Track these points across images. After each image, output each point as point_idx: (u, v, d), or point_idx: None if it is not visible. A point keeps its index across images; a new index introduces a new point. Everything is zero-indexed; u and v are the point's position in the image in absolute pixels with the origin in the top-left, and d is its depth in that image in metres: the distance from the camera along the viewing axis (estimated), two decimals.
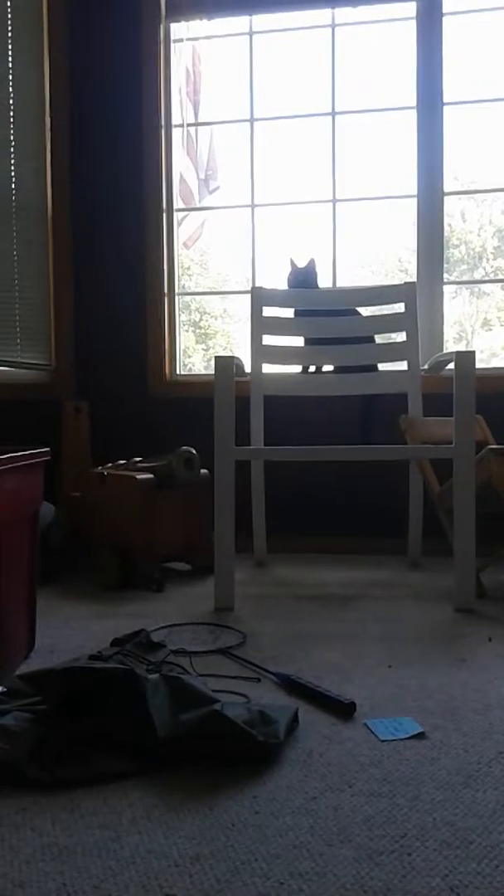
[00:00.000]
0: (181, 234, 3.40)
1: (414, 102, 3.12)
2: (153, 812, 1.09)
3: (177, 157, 3.33)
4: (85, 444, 3.13)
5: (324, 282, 3.05)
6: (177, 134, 3.33)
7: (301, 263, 2.98)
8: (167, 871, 0.94)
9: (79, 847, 1.00)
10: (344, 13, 3.17)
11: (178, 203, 3.34)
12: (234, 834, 1.02)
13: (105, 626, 1.99)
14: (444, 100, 3.10)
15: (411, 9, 3.09)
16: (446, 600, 2.25)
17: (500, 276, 4.16)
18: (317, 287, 2.99)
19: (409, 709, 1.45)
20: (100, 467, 2.71)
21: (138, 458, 2.78)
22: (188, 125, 3.32)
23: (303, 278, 2.97)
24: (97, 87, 3.27)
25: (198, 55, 3.37)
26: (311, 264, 2.98)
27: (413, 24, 3.09)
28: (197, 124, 3.33)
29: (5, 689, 1.43)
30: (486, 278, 4.22)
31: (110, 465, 2.74)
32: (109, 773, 1.20)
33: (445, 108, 3.10)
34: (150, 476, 2.55)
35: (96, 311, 3.29)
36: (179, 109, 3.32)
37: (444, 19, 3.08)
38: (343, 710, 1.43)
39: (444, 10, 3.07)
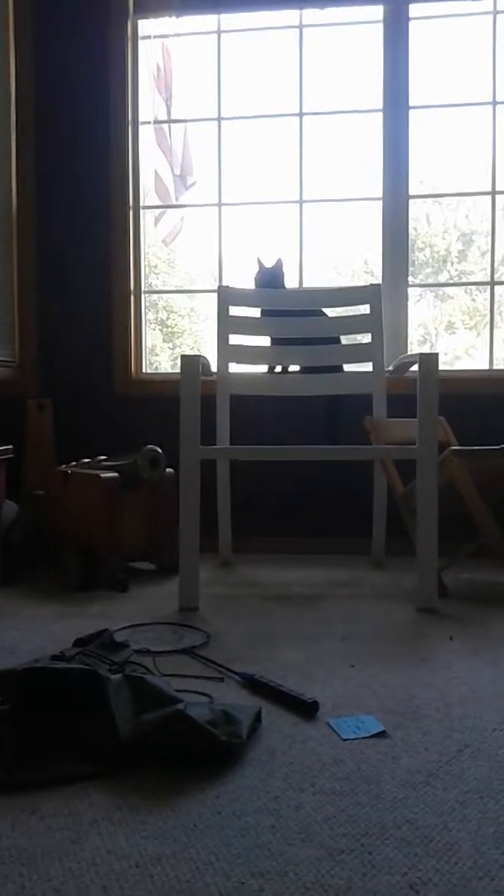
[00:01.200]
0: (161, 230, 3.37)
1: (380, 105, 3.14)
2: (115, 813, 1.08)
3: (151, 153, 3.31)
4: (48, 442, 3.10)
5: (290, 282, 3.06)
6: (150, 131, 3.30)
7: (268, 263, 2.99)
8: (128, 872, 0.94)
9: (39, 849, 0.99)
10: (312, 14, 3.19)
11: (146, 200, 3.32)
12: (196, 834, 1.02)
13: (68, 626, 1.98)
14: (410, 103, 3.12)
15: (378, 12, 3.11)
16: (409, 600, 2.28)
17: (465, 280, 4.21)
18: (284, 287, 3.00)
19: (371, 707, 1.46)
20: (63, 466, 2.69)
21: (103, 457, 2.76)
22: (157, 122, 3.30)
23: (269, 278, 2.97)
24: (63, 82, 3.24)
25: (168, 51, 3.35)
26: (279, 264, 2.98)
27: (380, 27, 3.11)
28: (167, 121, 3.31)
29: None
30: (451, 282, 4.27)
31: (74, 463, 2.72)
32: (70, 774, 1.19)
33: (411, 112, 3.13)
34: (115, 475, 2.53)
35: (61, 308, 3.26)
36: (152, 106, 3.30)
37: (411, 24, 3.10)
38: (306, 709, 1.43)
39: (411, 15, 3.10)
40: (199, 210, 3.39)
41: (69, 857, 0.97)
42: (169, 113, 3.35)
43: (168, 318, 4.61)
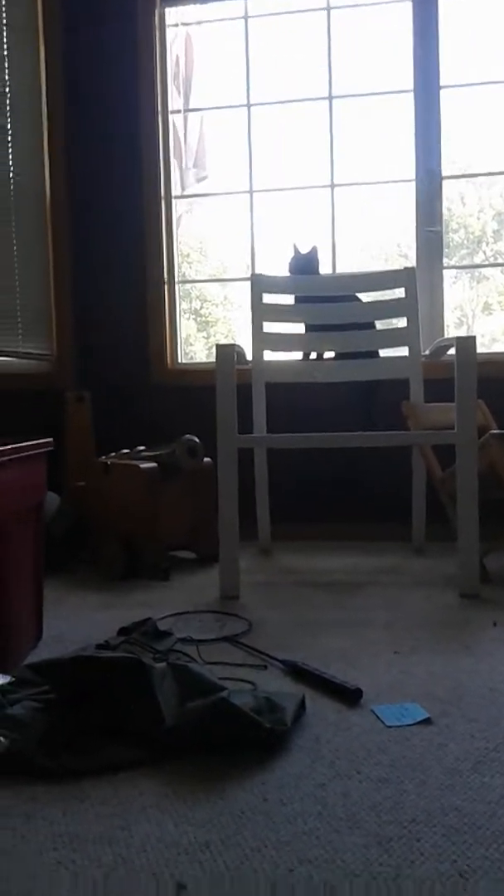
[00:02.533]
0: None
1: (411, 86, 3.10)
2: (162, 801, 1.10)
3: (173, 144, 3.31)
4: (88, 433, 3.13)
5: (324, 268, 3.03)
6: (173, 121, 3.30)
7: (304, 249, 2.97)
8: (177, 859, 0.95)
9: (89, 836, 1.01)
10: None
11: (176, 190, 3.32)
12: (243, 821, 1.03)
13: (111, 616, 2.00)
14: (441, 83, 3.07)
15: None
16: (451, 586, 2.26)
17: (501, 261, 4.14)
18: (318, 273, 2.98)
19: (415, 695, 1.45)
20: (103, 457, 2.72)
21: (142, 447, 2.78)
22: (188, 110, 3.29)
23: (304, 264, 2.95)
24: (93, 73, 3.25)
25: (190, 42, 3.33)
26: (314, 251, 2.96)
27: (409, 6, 3.06)
28: (192, 110, 3.30)
29: (14, 679, 1.43)
30: (486, 262, 4.21)
31: (114, 454, 2.74)
32: (118, 762, 1.20)
33: (442, 92, 3.08)
34: (154, 465, 2.55)
35: (97, 300, 3.28)
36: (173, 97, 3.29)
37: (441, 1, 3.05)
38: (349, 696, 1.43)
39: None
40: (230, 198, 3.38)
41: (119, 843, 0.99)
42: (186, 104, 3.33)
43: (202, 308, 4.61)
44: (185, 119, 3.32)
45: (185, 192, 3.35)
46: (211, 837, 1.00)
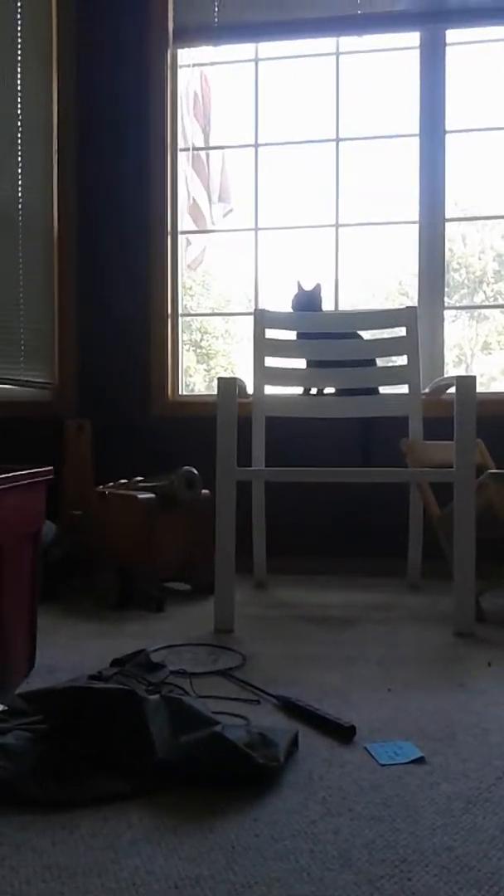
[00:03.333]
0: (187, 256, 3.43)
1: (416, 130, 3.16)
2: (153, 833, 1.09)
3: (188, 180, 3.37)
4: (87, 462, 3.14)
5: (326, 305, 3.07)
6: (187, 157, 3.37)
7: (308, 286, 3.01)
8: (167, 893, 0.94)
9: (79, 868, 1.00)
10: (349, 41, 3.22)
11: (183, 225, 3.37)
12: (234, 857, 1.03)
13: (105, 646, 2.00)
14: (447, 128, 3.14)
15: (415, 39, 3.14)
16: (446, 624, 2.26)
17: (501, 301, 4.19)
18: (320, 310, 3.01)
19: (409, 733, 1.45)
20: (101, 486, 2.72)
21: (139, 478, 2.79)
22: (195, 149, 3.36)
23: (307, 301, 2.99)
24: (104, 110, 3.31)
25: (206, 79, 3.41)
26: (318, 288, 3.00)
27: (417, 53, 3.14)
28: (204, 148, 3.37)
29: (6, 708, 1.43)
30: (487, 303, 4.26)
31: (111, 484, 2.75)
32: (109, 793, 1.20)
33: (448, 136, 3.15)
34: (152, 496, 2.56)
35: (100, 331, 3.32)
36: (187, 133, 3.36)
37: (448, 49, 3.13)
38: (343, 733, 1.43)
39: (448, 41, 3.12)
40: (235, 234, 3.43)
41: (109, 875, 0.98)
42: (207, 140, 3.41)
43: (202, 340, 4.65)
44: (208, 155, 3.38)
45: (211, 227, 3.40)
46: (201, 872, 0.99)
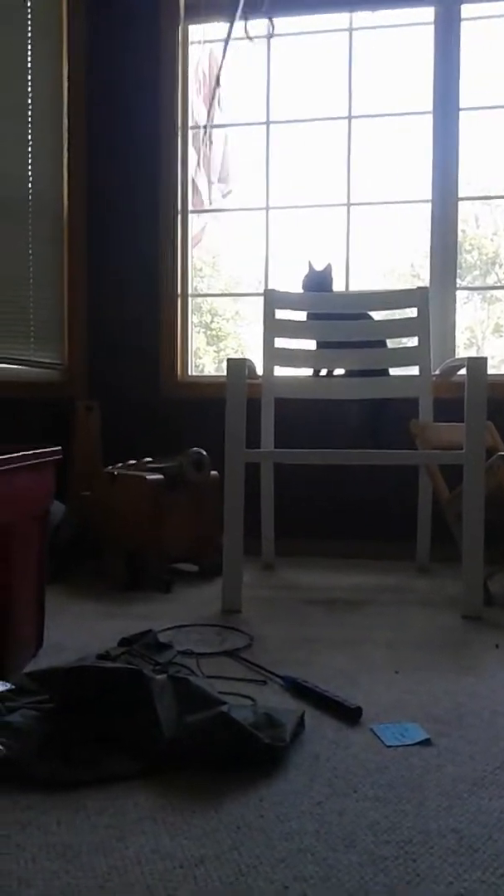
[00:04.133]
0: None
1: (430, 107, 3.12)
2: (158, 813, 1.09)
3: (190, 160, 3.34)
4: (96, 443, 3.14)
5: (337, 285, 3.05)
6: (189, 137, 3.33)
7: (319, 266, 2.98)
8: (172, 872, 0.95)
9: (84, 846, 1.01)
10: (362, 17, 3.17)
11: (191, 205, 3.34)
12: (239, 837, 1.03)
13: (113, 626, 2.00)
14: (461, 105, 3.09)
15: (429, 14, 3.09)
16: (454, 607, 2.25)
17: None
18: (331, 291, 2.99)
19: (416, 715, 1.45)
20: (110, 467, 2.72)
21: (148, 459, 2.78)
22: (207, 126, 3.32)
23: (318, 281, 2.97)
24: (115, 88, 3.28)
25: (213, 58, 3.37)
26: (328, 269, 2.98)
27: (431, 28, 3.09)
28: (213, 126, 3.33)
29: (13, 687, 1.43)
30: (499, 284, 4.21)
31: (121, 465, 2.75)
32: (115, 773, 1.20)
33: (461, 114, 3.10)
34: (160, 476, 2.55)
35: (110, 311, 3.30)
36: (194, 112, 3.33)
37: (463, 24, 3.07)
38: (349, 714, 1.43)
39: (463, 16, 3.07)
40: (245, 213, 3.40)
41: (114, 854, 0.98)
42: (211, 120, 3.37)
43: (212, 321, 4.63)
44: (210, 135, 3.35)
45: (211, 207, 3.38)
46: (206, 852, 0.99)
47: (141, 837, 1.03)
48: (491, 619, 2.13)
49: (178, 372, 3.27)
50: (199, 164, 3.31)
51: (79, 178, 3.28)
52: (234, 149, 3.37)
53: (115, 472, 2.64)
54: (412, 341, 2.88)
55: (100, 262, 3.31)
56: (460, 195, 3.14)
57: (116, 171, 3.29)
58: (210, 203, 3.35)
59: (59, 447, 1.80)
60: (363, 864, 0.96)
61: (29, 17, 3.04)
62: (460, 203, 3.14)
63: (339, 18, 3.20)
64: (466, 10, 3.07)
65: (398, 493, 2.97)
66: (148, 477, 2.53)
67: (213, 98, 3.32)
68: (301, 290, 2.99)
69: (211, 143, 3.32)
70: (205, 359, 3.73)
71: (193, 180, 3.32)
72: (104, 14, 3.27)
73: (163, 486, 2.54)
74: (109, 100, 3.28)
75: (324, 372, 2.98)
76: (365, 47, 3.22)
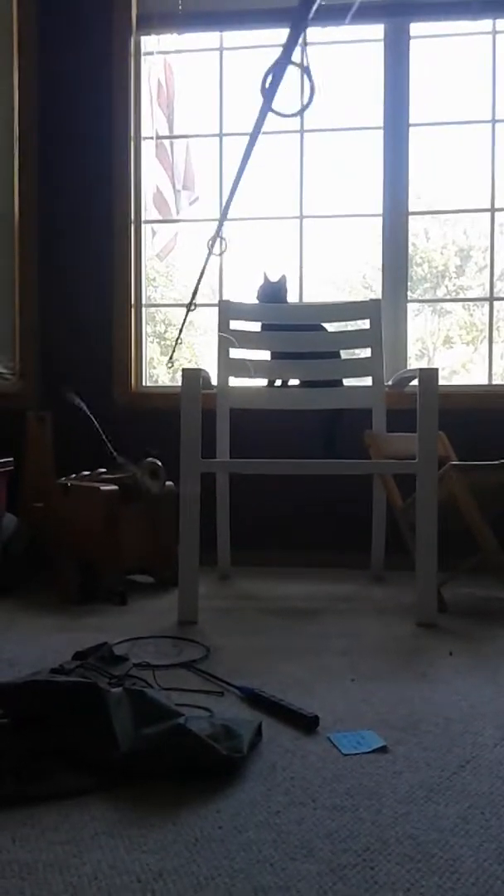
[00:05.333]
0: (155, 245, 3.40)
1: (381, 122, 3.17)
2: (115, 827, 1.08)
3: (151, 168, 3.33)
4: (48, 454, 3.09)
5: (291, 297, 3.07)
6: (151, 146, 3.33)
7: (274, 278, 3.00)
8: (130, 886, 0.93)
9: (40, 863, 0.99)
10: (313, 32, 3.21)
11: (147, 214, 3.34)
12: (197, 849, 1.02)
13: (67, 639, 1.97)
14: (411, 121, 3.15)
15: (379, 31, 3.15)
16: (408, 615, 2.27)
17: (462, 295, 4.23)
18: (286, 302, 3.01)
19: (372, 722, 1.45)
20: (63, 478, 2.69)
21: (102, 470, 2.76)
22: (160, 137, 3.32)
23: (272, 292, 2.99)
24: (67, 97, 3.27)
25: (170, 67, 3.38)
26: (283, 280, 3.00)
27: (381, 45, 3.14)
28: (169, 137, 3.33)
29: None
30: (449, 297, 4.29)
31: (74, 476, 2.72)
32: (71, 787, 1.18)
33: (411, 129, 3.16)
34: (114, 488, 2.53)
35: (62, 321, 3.27)
36: (152, 121, 3.33)
37: (412, 42, 3.13)
38: (306, 723, 1.43)
39: (412, 34, 3.13)
40: (200, 224, 3.41)
41: (71, 870, 0.97)
42: (171, 128, 3.37)
43: (166, 332, 4.62)
44: (172, 143, 3.35)
45: (172, 217, 3.37)
46: (164, 865, 0.98)
47: (98, 852, 1.01)
48: (445, 627, 2.16)
49: (133, 382, 3.25)
50: (162, 172, 3.29)
51: (30, 186, 3.25)
52: (196, 157, 3.37)
53: (69, 484, 2.61)
54: (365, 352, 2.91)
55: (52, 271, 3.28)
56: (411, 210, 3.19)
57: (69, 179, 3.27)
58: (178, 212, 3.34)
59: (11, 458, 1.78)
60: (322, 873, 0.96)
61: None
62: (411, 217, 3.20)
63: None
64: (415, 28, 3.13)
65: (353, 502, 2.99)
66: (102, 488, 2.51)
67: (170, 106, 3.32)
68: (256, 301, 3.01)
69: (172, 151, 3.32)
70: (159, 369, 3.71)
71: (158, 188, 3.31)
72: (57, 24, 3.25)
73: (117, 497, 2.52)
74: (62, 108, 3.26)
75: (278, 382, 2.99)
76: (317, 62, 3.25)
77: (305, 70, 2.49)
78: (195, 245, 3.47)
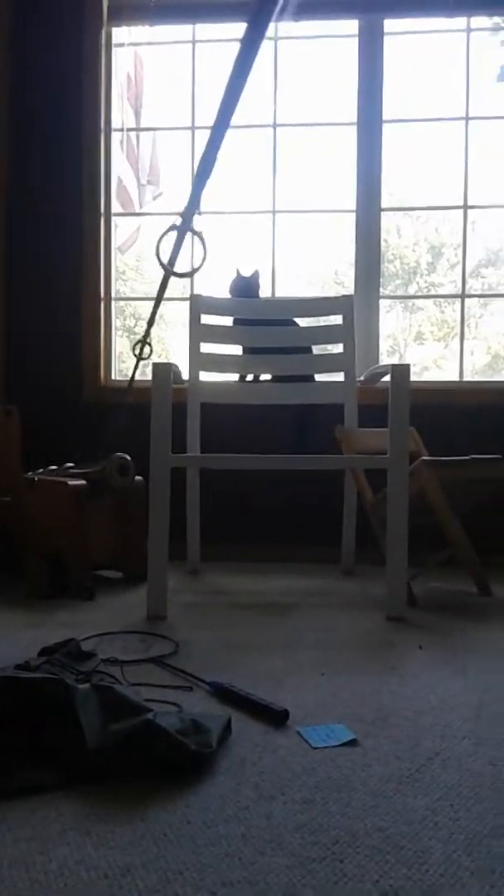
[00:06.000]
0: (117, 238, 3.37)
1: (355, 118, 3.17)
2: (83, 823, 1.06)
3: (117, 161, 3.30)
4: (15, 448, 3.05)
5: (263, 292, 3.06)
6: (117, 138, 3.30)
7: (246, 273, 2.99)
8: (96, 883, 0.92)
9: (5, 860, 0.97)
10: (288, 26, 3.21)
11: (116, 207, 3.31)
12: (165, 844, 1.01)
13: (33, 635, 1.95)
14: (384, 117, 3.16)
15: (353, 27, 3.15)
16: (378, 609, 2.28)
17: (433, 292, 4.25)
18: (258, 297, 3.00)
19: (342, 716, 1.45)
20: (30, 473, 2.66)
21: (70, 464, 2.73)
22: (130, 129, 3.30)
23: (245, 287, 2.98)
24: (37, 88, 3.22)
25: (140, 60, 3.35)
26: (256, 275, 2.99)
27: (355, 41, 3.14)
28: (138, 129, 3.31)
29: None
30: (420, 293, 4.31)
31: (41, 470, 2.69)
32: (37, 784, 1.16)
33: (385, 126, 3.16)
34: (83, 482, 2.51)
35: (30, 314, 3.24)
36: (120, 114, 3.30)
37: (386, 39, 3.14)
38: (276, 717, 1.42)
39: (386, 30, 3.13)
40: (171, 218, 3.38)
41: (36, 867, 0.95)
42: (138, 121, 3.35)
43: (136, 326, 4.59)
44: (138, 137, 3.32)
45: (140, 210, 3.34)
46: (132, 860, 0.97)
47: (65, 849, 1.00)
48: (414, 621, 2.17)
49: (102, 376, 3.22)
50: (126, 165, 3.26)
51: (0, 176, 3.20)
52: (163, 151, 3.35)
53: (36, 479, 2.58)
54: (337, 348, 2.91)
55: (20, 263, 3.24)
56: (383, 206, 3.20)
57: (39, 171, 3.23)
58: (141, 206, 3.32)
59: None
60: (291, 867, 0.96)
61: None
62: (383, 214, 3.20)
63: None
64: (389, 25, 3.14)
65: (324, 497, 3.00)
66: (70, 482, 2.48)
67: (138, 99, 3.30)
68: (228, 296, 2.99)
69: (138, 145, 3.29)
70: (129, 363, 3.69)
71: (121, 182, 3.29)
72: (27, 15, 3.21)
73: (85, 491, 2.50)
74: (32, 100, 3.23)
75: (250, 377, 2.98)
76: (293, 57, 3.25)
77: (199, 235, 2.74)
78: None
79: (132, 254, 3.77)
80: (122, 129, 3.30)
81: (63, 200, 3.22)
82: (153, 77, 3.35)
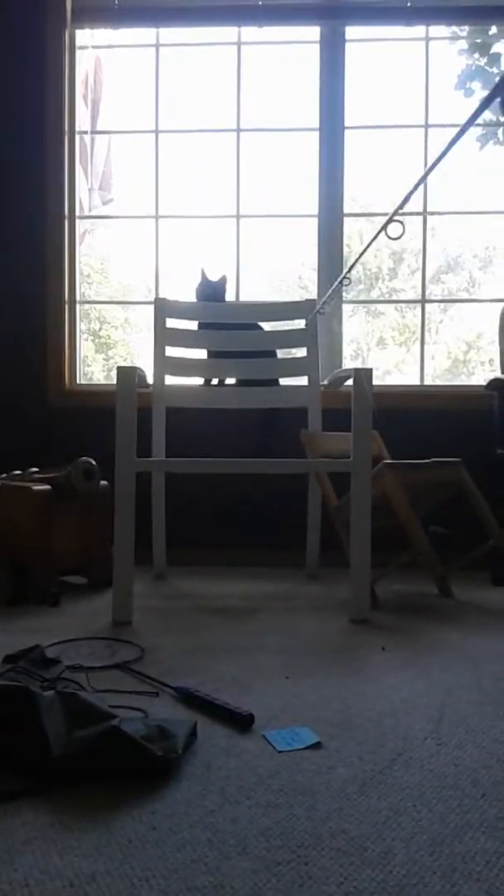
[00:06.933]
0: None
1: (317, 124, 3.19)
2: (47, 831, 1.06)
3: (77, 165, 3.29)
4: None
5: (227, 296, 3.07)
6: (77, 141, 3.28)
7: (213, 276, 3.00)
8: (62, 891, 0.92)
9: None
10: (250, 32, 3.22)
11: (79, 210, 3.29)
12: (131, 851, 1.01)
13: None
14: (346, 123, 3.19)
15: (315, 33, 3.17)
16: (342, 611, 2.30)
17: (395, 297, 4.30)
18: (223, 301, 3.01)
19: (306, 719, 1.47)
20: None
21: (34, 469, 2.71)
22: (92, 132, 3.28)
23: (211, 291, 2.99)
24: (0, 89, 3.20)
25: (100, 63, 3.34)
26: (223, 280, 3.00)
27: (317, 47, 3.17)
28: (99, 132, 3.30)
29: None
30: (382, 299, 4.36)
31: (5, 475, 2.66)
32: (1, 792, 1.16)
33: (346, 132, 3.19)
34: (47, 487, 2.49)
35: None
36: (75, 116, 3.28)
37: (347, 46, 3.17)
38: (241, 722, 1.43)
39: (348, 37, 3.17)
40: (135, 221, 3.38)
41: (0, 877, 0.95)
42: (94, 124, 3.34)
43: (101, 329, 4.57)
44: (93, 140, 3.31)
45: (94, 214, 3.34)
46: (98, 868, 0.97)
47: (29, 857, 0.99)
48: (378, 623, 2.19)
49: (66, 380, 3.20)
50: (78, 169, 3.25)
51: None
52: (118, 155, 3.34)
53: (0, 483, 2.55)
54: (301, 352, 2.93)
55: None
56: (346, 211, 3.23)
57: (1, 173, 3.20)
58: (90, 209, 3.31)
59: None
60: (256, 871, 0.96)
61: None
62: (346, 219, 3.23)
63: (228, 32, 3.24)
64: (351, 31, 3.17)
65: (288, 501, 3.01)
66: (34, 487, 2.46)
67: (95, 103, 3.29)
68: (194, 300, 3.00)
69: (92, 149, 3.28)
70: (94, 367, 3.67)
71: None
72: None
73: (50, 496, 2.48)
74: None
75: (215, 381, 2.99)
76: (255, 63, 3.26)
77: None
78: (129, 244, 3.45)
79: (99, 257, 3.75)
80: (87, 132, 3.29)
81: (26, 203, 3.19)
82: (112, 80, 3.34)
